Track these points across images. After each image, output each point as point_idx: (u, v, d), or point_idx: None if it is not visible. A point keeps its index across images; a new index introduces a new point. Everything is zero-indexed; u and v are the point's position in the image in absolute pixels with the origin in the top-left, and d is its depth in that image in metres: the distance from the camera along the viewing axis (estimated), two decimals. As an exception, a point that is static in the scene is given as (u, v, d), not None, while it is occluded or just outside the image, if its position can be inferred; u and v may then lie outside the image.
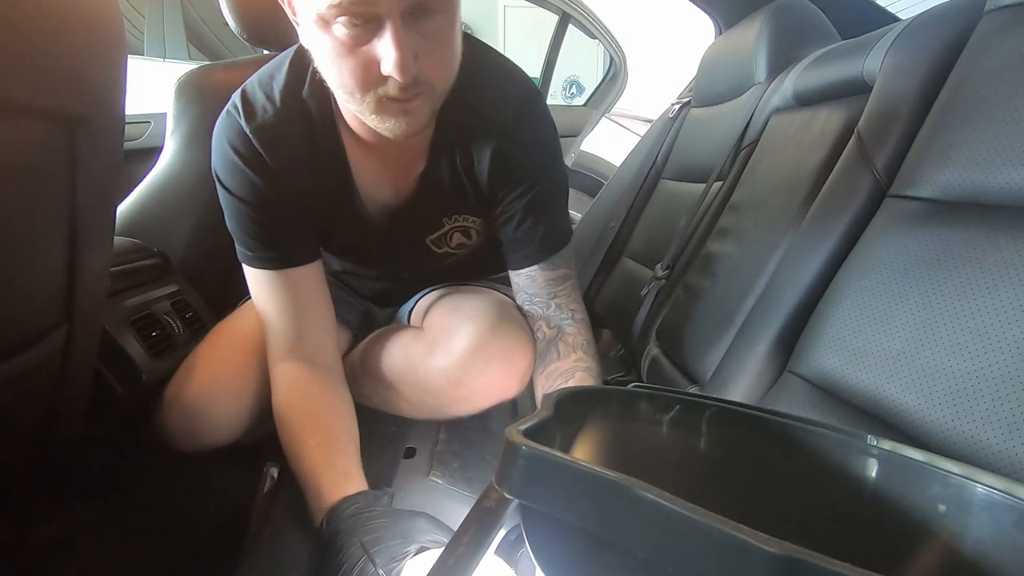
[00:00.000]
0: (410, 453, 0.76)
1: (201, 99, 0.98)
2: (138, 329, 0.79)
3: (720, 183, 1.08)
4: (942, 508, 0.34)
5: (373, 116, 0.57)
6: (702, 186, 1.12)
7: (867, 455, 0.37)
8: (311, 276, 0.72)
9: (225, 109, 0.67)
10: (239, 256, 0.71)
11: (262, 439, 0.75)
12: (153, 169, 1.00)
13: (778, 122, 0.98)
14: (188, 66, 1.03)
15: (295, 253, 0.71)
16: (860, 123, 0.71)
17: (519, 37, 4.19)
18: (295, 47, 0.67)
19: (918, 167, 0.61)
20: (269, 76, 0.67)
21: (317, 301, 0.73)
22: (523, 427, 0.27)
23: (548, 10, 1.93)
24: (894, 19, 1.14)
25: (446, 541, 0.33)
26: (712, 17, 1.40)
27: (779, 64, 1.05)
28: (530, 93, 0.70)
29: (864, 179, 0.67)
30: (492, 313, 0.75)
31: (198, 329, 0.88)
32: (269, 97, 0.65)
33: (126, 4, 2.15)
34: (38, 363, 0.53)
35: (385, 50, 0.50)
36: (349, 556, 0.51)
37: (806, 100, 0.92)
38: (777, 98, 1.00)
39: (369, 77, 0.53)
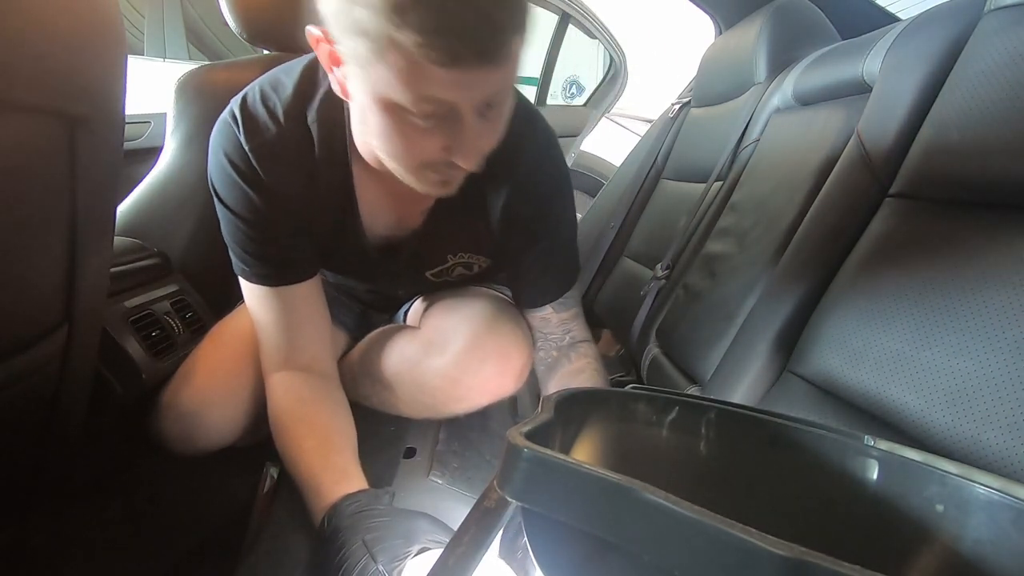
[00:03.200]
0: (410, 453, 0.76)
1: (201, 99, 0.98)
2: (138, 329, 0.79)
3: (720, 183, 1.08)
4: (940, 508, 0.34)
5: (411, 178, 0.56)
6: (702, 186, 1.12)
7: (865, 456, 0.37)
8: (307, 292, 0.71)
9: (224, 117, 0.63)
10: (235, 268, 0.69)
11: (262, 440, 0.75)
12: (153, 169, 1.00)
13: (778, 122, 0.98)
14: (188, 66, 1.03)
15: (291, 271, 0.69)
16: (860, 123, 0.71)
17: (519, 37, 4.16)
18: (307, 59, 0.63)
19: (918, 167, 0.61)
20: (272, 89, 0.62)
21: (312, 316, 0.72)
22: (524, 430, 0.27)
23: (548, 10, 1.92)
24: (894, 19, 1.14)
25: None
26: (712, 17, 1.40)
27: (779, 64, 1.05)
28: (547, 139, 0.69)
29: (864, 179, 0.67)
30: (488, 312, 0.75)
31: (198, 329, 0.88)
32: (272, 114, 0.61)
33: (126, 4, 2.15)
34: (38, 363, 0.53)
35: (457, 142, 0.50)
36: (351, 554, 0.51)
37: (806, 100, 0.92)
38: (777, 98, 1.00)
39: (427, 157, 0.52)
